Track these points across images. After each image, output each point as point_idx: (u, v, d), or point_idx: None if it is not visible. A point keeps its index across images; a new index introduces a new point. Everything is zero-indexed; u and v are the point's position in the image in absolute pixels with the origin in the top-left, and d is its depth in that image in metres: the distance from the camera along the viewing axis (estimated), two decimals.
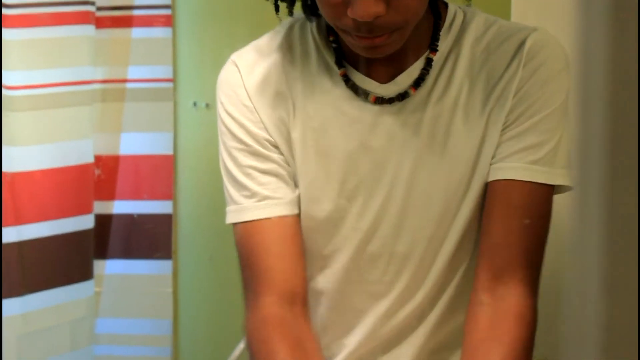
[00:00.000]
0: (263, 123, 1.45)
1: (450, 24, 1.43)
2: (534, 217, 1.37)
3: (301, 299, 1.43)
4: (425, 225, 1.42)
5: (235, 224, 1.46)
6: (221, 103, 1.48)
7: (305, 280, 1.44)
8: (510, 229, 1.36)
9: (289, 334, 1.39)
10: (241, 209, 1.44)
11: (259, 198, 1.43)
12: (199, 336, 2.51)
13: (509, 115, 1.38)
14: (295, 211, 1.45)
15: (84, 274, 2.23)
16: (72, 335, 2.22)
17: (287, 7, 1.44)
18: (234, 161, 1.46)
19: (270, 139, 1.45)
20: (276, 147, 1.45)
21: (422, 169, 1.41)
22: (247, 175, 1.45)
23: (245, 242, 1.44)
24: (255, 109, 1.45)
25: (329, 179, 1.43)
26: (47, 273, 2.16)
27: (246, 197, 1.44)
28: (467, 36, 1.42)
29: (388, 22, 1.29)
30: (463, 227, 1.42)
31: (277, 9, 1.44)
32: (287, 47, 1.46)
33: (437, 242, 1.43)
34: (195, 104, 2.38)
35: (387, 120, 1.41)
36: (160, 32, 2.30)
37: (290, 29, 1.48)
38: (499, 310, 1.34)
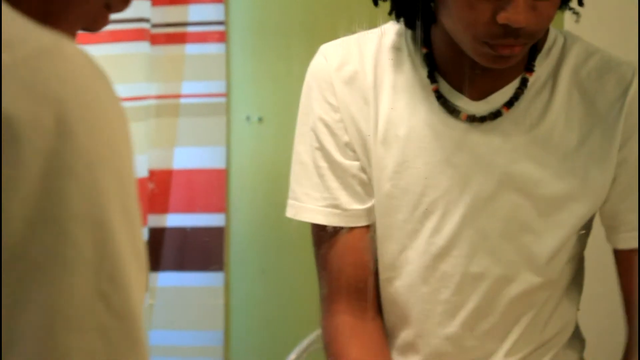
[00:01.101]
0: (344, 123, 1.43)
1: (550, 48, 1.40)
2: None
3: (372, 305, 1.46)
4: (503, 250, 1.40)
5: (312, 224, 1.46)
6: (307, 91, 1.45)
7: (374, 288, 1.46)
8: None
9: (360, 340, 1.44)
10: (304, 209, 1.45)
11: (326, 204, 1.44)
12: (251, 348, 2.52)
13: (616, 184, 1.38)
14: (361, 223, 1.44)
15: None
16: None
17: (393, 13, 1.39)
18: (307, 154, 1.45)
19: (348, 141, 1.43)
20: (353, 151, 1.43)
21: (505, 192, 1.38)
22: (320, 176, 1.44)
23: (318, 243, 1.47)
24: (339, 108, 1.43)
25: (407, 190, 1.41)
26: None
27: (314, 198, 1.44)
28: (566, 63, 1.39)
29: (533, 29, 1.28)
30: (543, 260, 1.40)
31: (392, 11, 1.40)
32: (378, 52, 1.43)
33: (514, 269, 1.40)
34: (248, 118, 2.40)
35: (474, 138, 1.38)
36: (214, 48, 2.33)
37: (384, 34, 1.44)
38: None
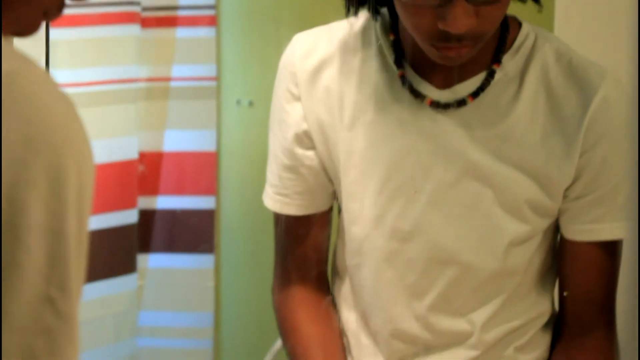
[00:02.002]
0: (304, 112, 1.46)
1: (520, 45, 1.41)
2: (612, 268, 1.43)
3: (323, 284, 1.55)
4: (468, 236, 1.41)
5: None
6: (276, 81, 1.50)
7: (325, 268, 1.55)
8: (591, 285, 1.43)
9: (312, 309, 1.52)
10: (266, 194, 1.53)
11: (275, 190, 1.51)
12: (240, 329, 2.54)
13: (578, 181, 1.39)
14: (310, 211, 1.51)
15: (128, 267, 2.26)
16: (115, 327, 2.25)
17: (353, 8, 1.42)
18: (271, 142, 1.51)
19: (307, 129, 1.46)
20: (311, 140, 1.46)
21: (467, 180, 1.40)
22: (276, 164, 1.50)
23: (274, 225, 1.55)
24: (299, 97, 1.46)
25: (373, 175, 1.43)
26: (91, 266, 2.17)
27: (271, 184, 1.52)
28: (535, 61, 1.40)
29: (477, 32, 1.29)
30: (504, 249, 1.41)
31: (348, 11, 1.42)
32: (349, 41, 1.45)
33: (477, 256, 1.42)
34: (238, 102, 2.41)
35: (439, 126, 1.40)
36: (204, 32, 2.33)
37: (355, 22, 1.46)
38: None
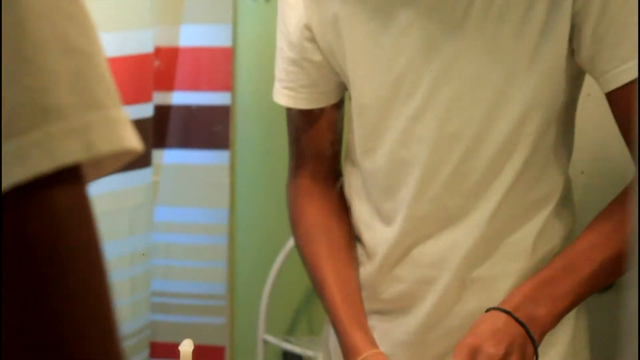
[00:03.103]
0: (305, 3, 1.48)
1: None
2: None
3: (332, 173, 1.59)
4: (475, 109, 1.41)
5: None
6: None
7: (337, 158, 1.58)
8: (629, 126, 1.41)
9: (317, 199, 1.57)
10: (275, 90, 1.55)
11: (283, 85, 1.54)
12: (255, 226, 2.55)
13: (583, 31, 1.37)
14: (320, 105, 1.53)
15: (142, 161, 2.26)
16: (130, 221, 2.27)
17: None
18: (278, 37, 1.53)
19: (307, 23, 1.48)
20: (310, 31, 1.48)
21: (475, 50, 1.39)
22: (282, 58, 1.53)
23: (287, 119, 1.58)
24: None
25: (378, 57, 1.43)
26: None
27: (278, 79, 1.55)
28: None
29: None
30: (515, 120, 1.41)
31: None
32: None
33: (487, 128, 1.42)
34: None
35: (438, 3, 1.39)
36: None
37: None
38: None
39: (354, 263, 1.54)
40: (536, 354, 1.37)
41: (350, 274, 1.52)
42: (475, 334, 1.37)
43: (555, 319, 1.41)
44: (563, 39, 1.38)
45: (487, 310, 1.41)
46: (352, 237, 1.55)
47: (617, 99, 1.41)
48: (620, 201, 1.44)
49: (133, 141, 0.62)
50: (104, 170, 0.64)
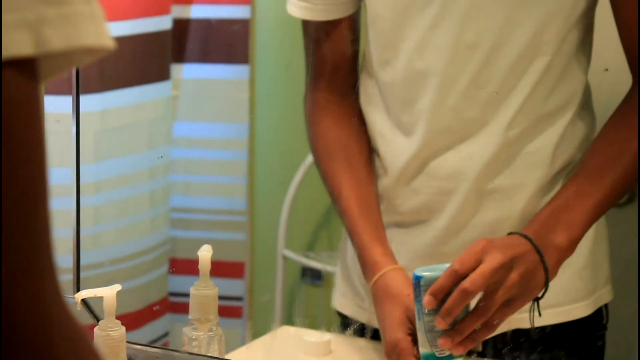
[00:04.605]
0: None
1: None
2: None
3: (351, 87, 1.56)
4: (494, 15, 1.39)
5: None
6: None
7: (355, 71, 1.56)
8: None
9: (338, 114, 1.54)
10: (289, 2, 1.55)
11: None
12: (275, 141, 2.54)
13: None
14: (336, 16, 1.51)
15: (161, 74, 2.25)
16: (149, 134, 2.26)
17: None
18: None
19: None
20: None
21: None
22: None
23: (303, 33, 1.58)
24: None
25: None
26: (125, 72, 2.18)
27: None
28: None
29: None
30: (536, 24, 1.39)
31: None
32: None
33: (506, 34, 1.40)
34: None
35: None
36: None
37: None
38: None
39: (372, 177, 1.52)
40: (546, 285, 1.36)
41: (368, 188, 1.51)
42: (489, 239, 1.35)
43: (573, 244, 1.39)
44: None
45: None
46: (370, 151, 1.54)
47: (622, 2, 1.40)
48: (626, 110, 1.43)
49: (95, 38, 0.59)
50: (73, 63, 0.62)
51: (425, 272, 1.34)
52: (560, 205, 1.40)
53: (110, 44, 0.60)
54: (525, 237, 1.37)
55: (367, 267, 1.46)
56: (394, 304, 1.40)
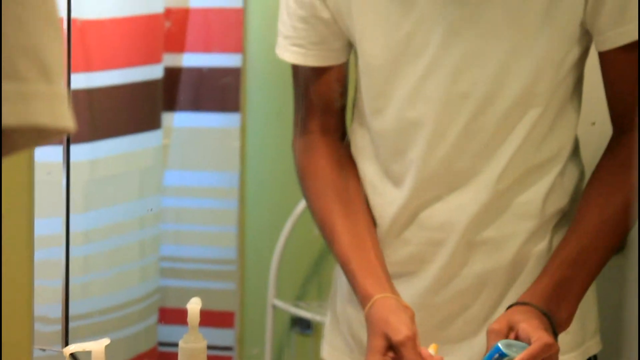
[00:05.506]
0: None
1: None
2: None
3: (340, 127, 1.56)
4: (486, 67, 1.40)
5: None
6: None
7: (343, 113, 1.56)
8: (628, 87, 1.42)
9: (329, 157, 1.54)
10: (279, 47, 1.54)
11: (291, 42, 1.51)
12: (266, 189, 2.54)
13: None
14: (328, 63, 1.51)
15: (152, 123, 2.25)
16: (140, 183, 2.25)
17: None
18: None
19: None
20: None
21: (487, 9, 1.38)
22: (287, 13, 1.51)
23: (293, 76, 1.57)
24: None
25: (388, 14, 1.42)
26: (116, 121, 2.18)
27: (285, 36, 1.53)
28: None
29: None
30: (527, 75, 1.40)
31: None
32: None
33: (498, 85, 1.40)
34: None
35: None
36: None
37: None
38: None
39: (366, 212, 1.52)
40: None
41: (362, 224, 1.50)
42: (551, 339, 1.35)
43: (572, 318, 1.42)
44: None
45: (517, 305, 1.40)
46: (362, 189, 1.53)
47: (610, 61, 1.41)
48: (611, 165, 1.45)
49: (50, 119, 0.58)
50: (30, 143, 0.61)
51: (506, 349, 1.34)
52: (561, 279, 1.41)
53: (69, 126, 0.59)
54: (547, 317, 1.39)
55: (361, 300, 1.45)
56: (375, 333, 1.39)
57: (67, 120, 0.59)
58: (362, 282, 1.45)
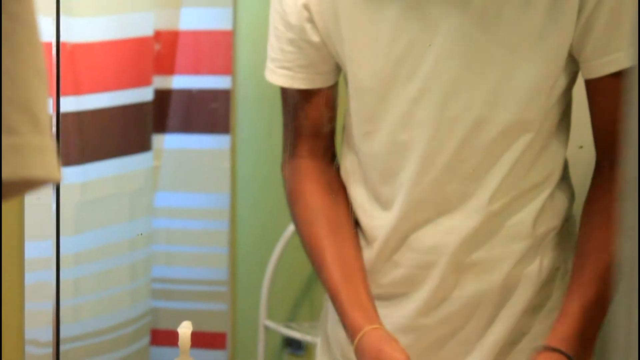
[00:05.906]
0: None
1: None
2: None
3: (330, 152, 1.57)
4: (476, 91, 1.40)
5: None
6: None
7: (333, 136, 1.56)
8: (614, 116, 1.40)
9: (318, 181, 1.54)
10: (268, 70, 1.54)
11: (279, 65, 1.52)
12: (256, 210, 2.54)
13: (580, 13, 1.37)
14: (316, 85, 1.51)
15: (143, 145, 2.25)
16: (131, 205, 2.25)
17: None
18: (272, 16, 1.52)
19: (306, 2, 1.46)
20: (309, 11, 1.46)
21: (479, 31, 1.38)
22: (276, 36, 1.51)
23: (282, 100, 1.57)
24: None
25: (378, 38, 1.41)
26: (106, 143, 2.18)
27: (273, 59, 1.53)
28: None
29: None
30: (517, 99, 1.40)
31: None
32: None
33: (489, 110, 1.40)
34: None
35: None
36: None
37: None
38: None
39: (354, 240, 1.52)
40: None
41: (350, 253, 1.51)
42: None
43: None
44: (570, 24, 1.37)
45: (548, 351, 1.41)
46: (352, 215, 1.54)
47: (596, 89, 1.42)
48: (604, 199, 1.45)
49: (43, 171, 0.60)
50: (19, 191, 0.62)
51: None
52: (585, 322, 1.41)
53: (57, 177, 0.61)
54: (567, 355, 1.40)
55: (349, 333, 1.45)
56: None
57: (56, 171, 0.61)
58: (352, 315, 1.45)
